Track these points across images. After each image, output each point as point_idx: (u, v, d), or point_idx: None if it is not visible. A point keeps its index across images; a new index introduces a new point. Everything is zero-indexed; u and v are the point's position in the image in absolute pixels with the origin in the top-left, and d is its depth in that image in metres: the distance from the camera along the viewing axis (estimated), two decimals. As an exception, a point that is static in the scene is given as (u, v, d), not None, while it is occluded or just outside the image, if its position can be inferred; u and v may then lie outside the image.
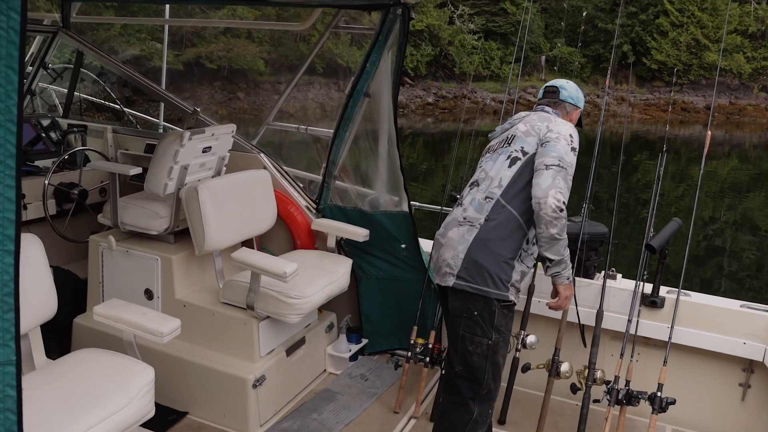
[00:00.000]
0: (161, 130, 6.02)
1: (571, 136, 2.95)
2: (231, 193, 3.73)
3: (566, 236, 2.86)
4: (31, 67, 5.24)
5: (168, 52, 22.32)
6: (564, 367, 3.55)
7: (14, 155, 1.57)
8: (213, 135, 3.77)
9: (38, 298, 2.66)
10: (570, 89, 3.25)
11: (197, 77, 23.11)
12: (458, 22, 30.95)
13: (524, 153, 2.95)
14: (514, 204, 2.89)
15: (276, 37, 23.42)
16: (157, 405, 3.59)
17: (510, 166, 2.95)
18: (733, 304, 3.76)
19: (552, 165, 2.81)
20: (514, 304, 2.95)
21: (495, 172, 2.98)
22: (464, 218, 2.95)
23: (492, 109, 26.38)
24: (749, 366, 3.72)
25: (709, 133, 3.79)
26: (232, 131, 3.95)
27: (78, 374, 2.52)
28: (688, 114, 30.34)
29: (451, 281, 2.90)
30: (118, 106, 5.73)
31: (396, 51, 3.84)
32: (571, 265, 3.00)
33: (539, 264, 3.93)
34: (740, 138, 26.33)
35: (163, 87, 5.65)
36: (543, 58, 32.07)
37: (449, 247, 2.94)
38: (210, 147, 3.80)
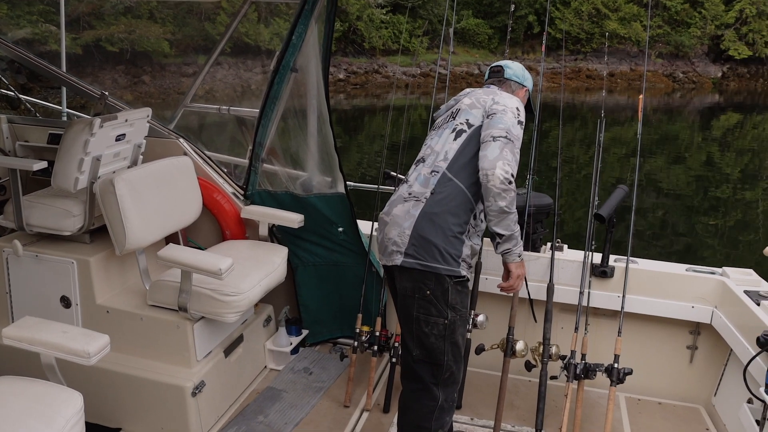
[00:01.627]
0: (65, 118, 5.51)
1: (517, 109, 2.87)
2: (151, 183, 3.38)
3: (516, 211, 2.74)
4: None
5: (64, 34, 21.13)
6: (519, 345, 3.42)
7: None
8: (127, 121, 3.40)
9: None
10: (515, 68, 3.20)
11: (98, 61, 21.95)
12: (366, -4, 30.58)
13: (469, 125, 2.86)
14: (461, 177, 2.77)
15: (180, 17, 22.52)
16: (86, 424, 3.29)
17: (455, 138, 2.86)
18: (679, 269, 3.74)
19: (499, 137, 2.72)
20: (467, 279, 2.81)
21: (440, 146, 2.88)
22: (409, 194, 2.82)
23: (404, 83, 26.34)
24: (696, 328, 3.71)
25: (641, 97, 3.70)
26: (148, 116, 3.58)
27: (-8, 407, 2.18)
28: (593, 81, 31.22)
29: (398, 260, 2.75)
30: (12, 93, 5.18)
31: (324, 22, 3.56)
32: (522, 242, 2.87)
33: (485, 240, 3.84)
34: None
35: (63, 68, 5.13)
36: (451, 30, 32.20)
37: (394, 225, 2.79)
38: (124, 134, 3.43)
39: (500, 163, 2.65)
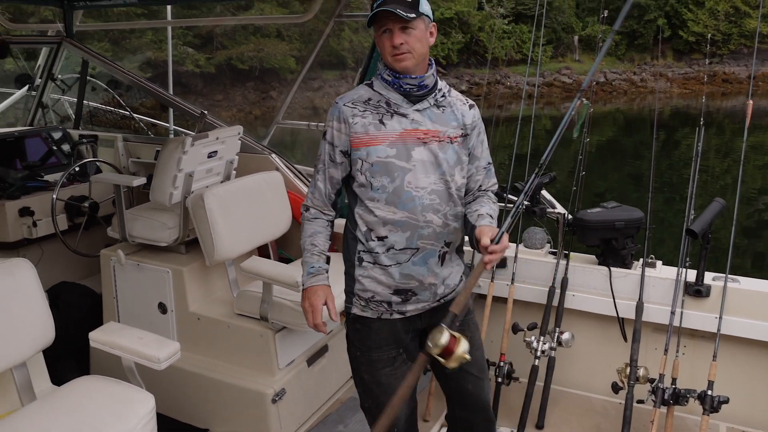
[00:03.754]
0: (172, 135, 5.89)
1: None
2: (240, 198, 3.55)
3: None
4: (40, 80, 5.15)
5: (199, 55, 22.43)
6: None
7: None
8: (218, 138, 3.60)
9: (34, 324, 2.52)
10: None
11: (229, 79, 23.25)
12: (487, 8, 30.45)
13: None
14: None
15: (305, 34, 23.41)
16: (177, 422, 3.49)
17: None
18: None
19: None
20: (364, 317, 2.45)
21: None
22: None
23: (528, 93, 25.86)
24: None
25: (750, 102, 3.47)
26: (239, 133, 3.77)
27: (76, 405, 2.38)
28: (730, 85, 29.36)
29: None
30: (127, 113, 5.62)
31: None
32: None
33: (571, 254, 3.74)
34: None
35: (170, 91, 5.49)
36: (576, 38, 31.37)
37: None
38: (216, 151, 3.63)
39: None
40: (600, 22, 4.23)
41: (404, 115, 2.32)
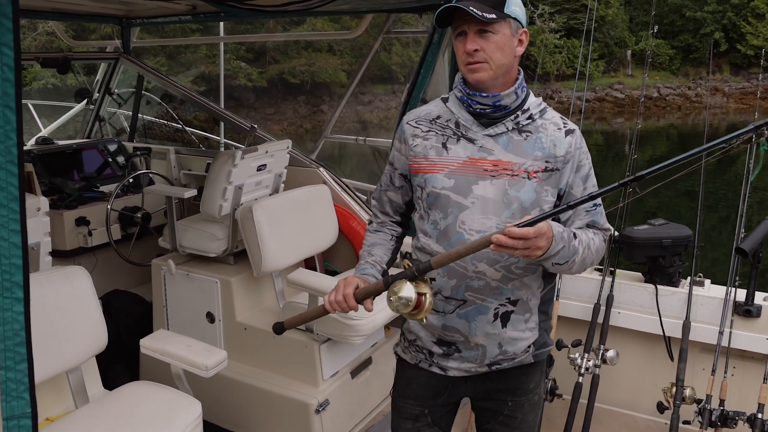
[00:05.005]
0: (222, 148, 6.03)
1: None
2: (288, 210, 3.63)
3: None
4: (97, 94, 5.34)
5: (252, 69, 22.82)
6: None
7: (17, 198, 1.49)
8: (267, 152, 3.68)
9: (89, 330, 2.61)
10: None
11: (281, 93, 23.63)
12: (539, 22, 30.30)
13: None
14: None
15: (356, 49, 23.71)
16: (222, 429, 3.56)
17: None
18: None
19: None
20: (401, 359, 2.26)
21: None
22: None
23: (578, 108, 25.60)
24: None
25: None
26: (288, 147, 3.85)
27: (127, 409, 2.46)
28: (790, 100, 28.63)
29: None
30: (180, 126, 5.79)
31: (452, 53, 3.65)
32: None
33: (616, 271, 3.70)
34: None
35: (222, 105, 5.64)
36: (629, 52, 30.96)
37: None
38: (265, 165, 3.72)
39: None
40: (651, 36, 4.17)
41: (472, 140, 1.95)
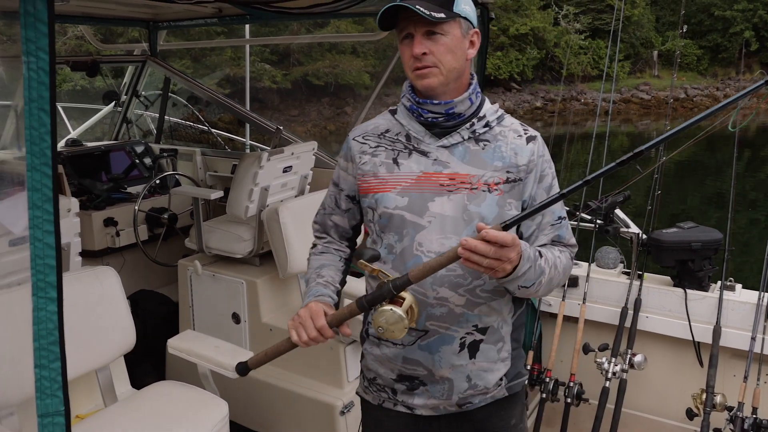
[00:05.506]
0: (248, 150, 6.07)
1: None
2: (313, 212, 3.61)
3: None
4: (125, 96, 5.40)
5: (276, 71, 22.98)
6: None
7: (51, 199, 1.50)
8: (293, 154, 3.69)
9: (117, 330, 2.64)
10: None
11: (305, 95, 23.72)
12: (563, 23, 30.13)
13: None
14: None
15: (380, 51, 23.75)
16: (247, 429, 3.58)
17: None
18: None
19: None
20: (368, 402, 2.01)
21: None
22: None
23: (604, 110, 25.47)
24: None
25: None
26: (314, 149, 3.86)
27: (154, 409, 2.48)
28: (826, 102, 28.13)
29: None
30: (205, 128, 5.84)
31: (477, 54, 3.63)
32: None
33: (645, 275, 3.66)
34: None
35: (247, 107, 5.67)
36: (655, 53, 30.65)
37: None
38: (290, 166, 3.73)
39: None
40: (679, 36, 4.07)
41: (425, 153, 1.76)
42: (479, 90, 1.80)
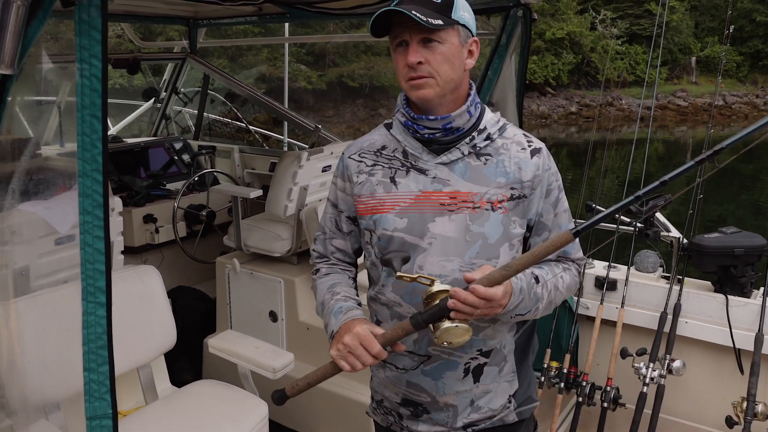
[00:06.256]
0: (286, 148, 6.10)
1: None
2: (351, 212, 3.65)
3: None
4: (164, 93, 5.46)
5: (311, 72, 23.14)
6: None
7: (101, 205, 1.53)
8: (332, 153, 3.71)
9: (159, 329, 2.68)
10: None
11: (340, 96, 23.82)
12: (600, 28, 29.79)
13: None
14: None
15: (415, 52, 23.76)
16: (283, 428, 3.61)
17: None
18: None
19: None
20: (377, 423, 1.97)
21: None
22: None
23: (639, 116, 25.11)
24: None
25: None
26: (351, 148, 3.87)
27: (195, 407, 2.52)
28: None
29: None
30: (243, 125, 5.88)
31: (519, 56, 3.60)
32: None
33: (685, 280, 3.61)
34: None
35: (286, 105, 5.70)
36: (693, 59, 30.12)
37: None
38: (329, 166, 3.74)
39: None
40: (726, 39, 3.96)
41: (423, 171, 1.66)
42: (478, 100, 1.69)
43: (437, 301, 1.51)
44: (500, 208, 1.63)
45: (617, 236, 3.68)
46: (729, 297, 3.44)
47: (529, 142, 1.71)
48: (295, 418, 3.56)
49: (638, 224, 3.67)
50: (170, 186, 4.59)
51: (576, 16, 28.96)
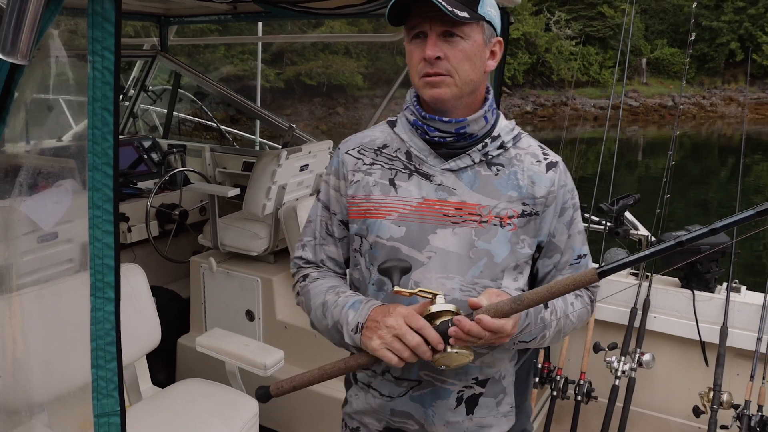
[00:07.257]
0: (257, 147, 6.07)
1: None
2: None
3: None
4: (132, 91, 5.39)
5: (269, 70, 23.04)
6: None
7: (111, 199, 1.52)
8: (310, 152, 3.73)
9: (144, 328, 2.67)
10: None
11: (298, 94, 23.73)
12: (555, 29, 30.30)
13: None
14: None
15: (373, 52, 23.73)
16: (262, 428, 3.61)
17: None
18: None
19: None
20: None
21: None
22: None
23: (592, 116, 25.67)
24: None
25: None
26: (329, 148, 3.89)
27: (182, 406, 2.51)
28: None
29: None
30: (214, 125, 5.84)
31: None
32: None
33: (653, 276, 3.73)
34: None
35: (258, 104, 5.68)
36: (644, 60, 30.91)
37: None
38: (307, 165, 3.76)
39: None
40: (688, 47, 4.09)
41: (428, 177, 1.50)
42: (495, 106, 1.54)
43: (438, 323, 1.36)
44: (509, 224, 1.48)
45: (588, 234, 3.79)
46: (695, 292, 3.57)
47: (545, 154, 1.56)
48: (274, 418, 3.56)
49: (608, 223, 3.79)
50: (141, 185, 4.53)
51: (531, 17, 29.40)
